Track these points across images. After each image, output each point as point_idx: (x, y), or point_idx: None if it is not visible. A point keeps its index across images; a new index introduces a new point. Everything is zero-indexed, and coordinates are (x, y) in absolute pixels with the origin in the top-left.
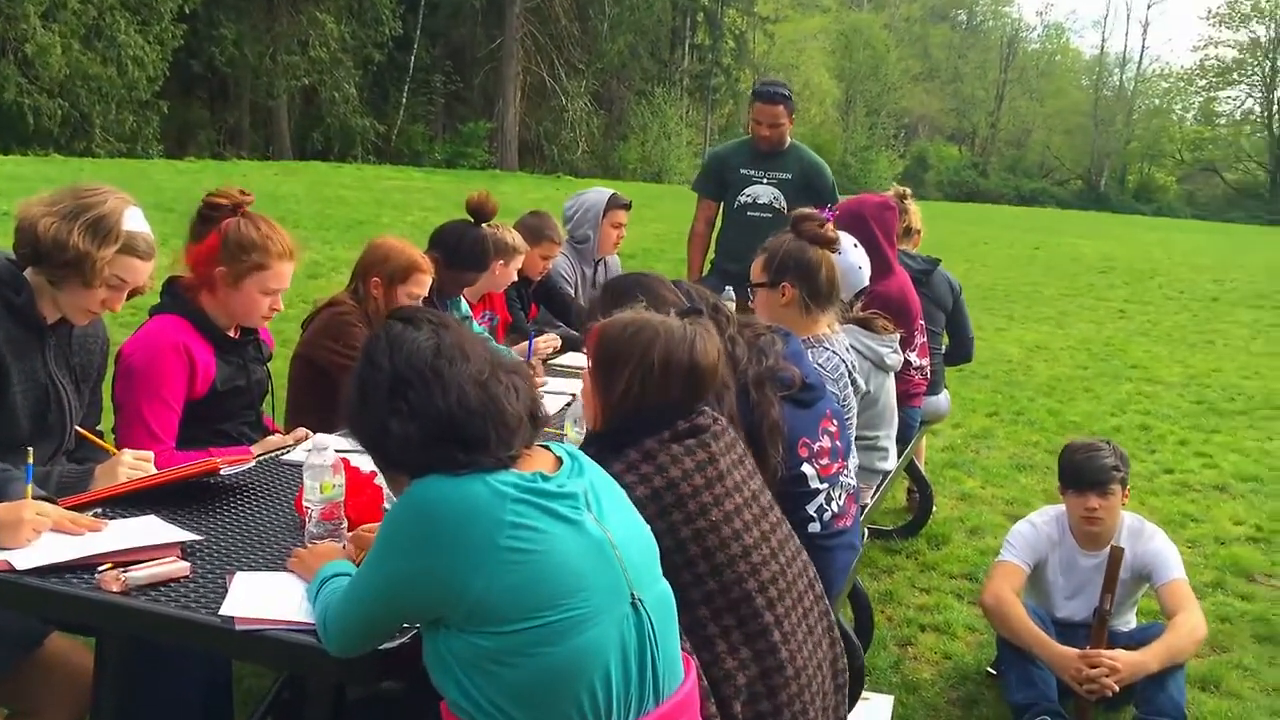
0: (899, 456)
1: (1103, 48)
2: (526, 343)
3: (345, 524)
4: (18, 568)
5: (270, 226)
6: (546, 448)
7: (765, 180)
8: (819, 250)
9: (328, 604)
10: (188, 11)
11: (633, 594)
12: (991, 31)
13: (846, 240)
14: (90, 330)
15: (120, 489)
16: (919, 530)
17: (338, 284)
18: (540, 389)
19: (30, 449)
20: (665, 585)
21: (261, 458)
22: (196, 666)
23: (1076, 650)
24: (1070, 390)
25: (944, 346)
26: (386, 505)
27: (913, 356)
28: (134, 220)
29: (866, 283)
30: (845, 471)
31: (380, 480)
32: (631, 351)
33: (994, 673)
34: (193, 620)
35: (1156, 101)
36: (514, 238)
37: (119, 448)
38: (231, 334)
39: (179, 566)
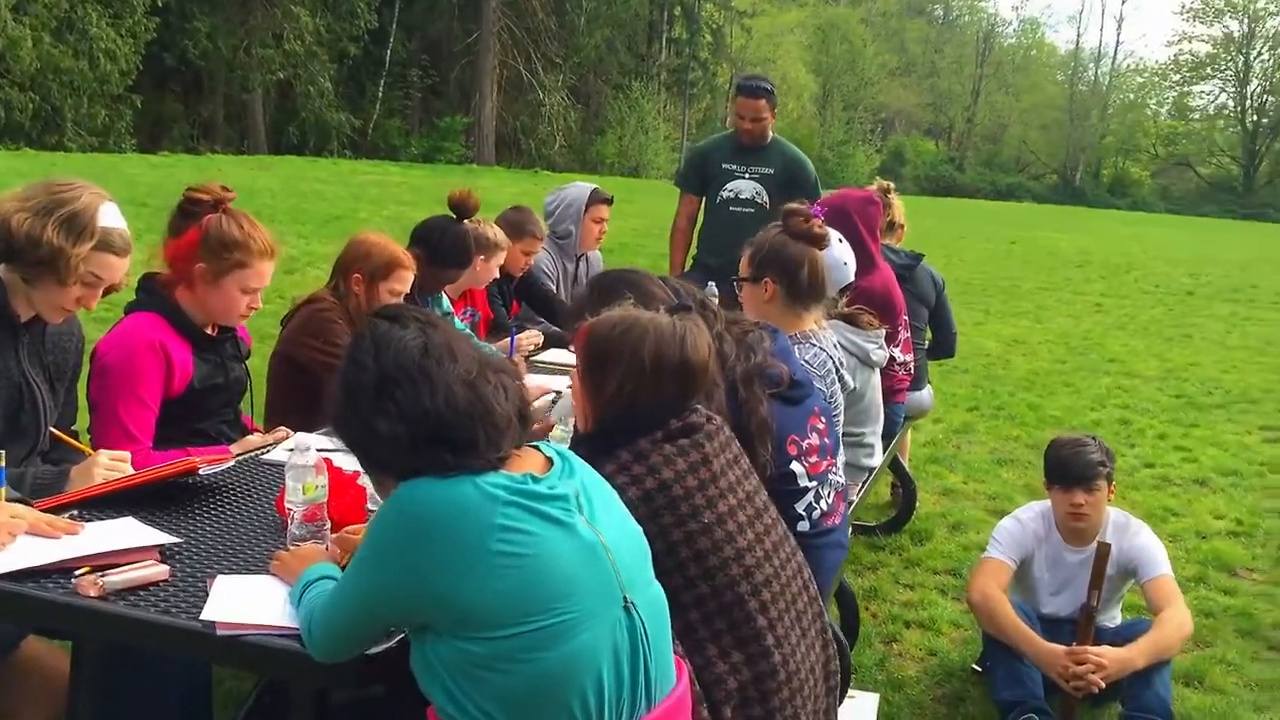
0: (884, 453)
1: (1078, 43)
2: (508, 339)
3: (328, 525)
4: None
5: (252, 224)
6: (536, 448)
7: (747, 175)
8: (803, 246)
9: (312, 608)
10: (160, 4)
11: (625, 597)
12: (967, 26)
13: (832, 235)
14: (65, 328)
15: (97, 490)
16: (902, 526)
17: (314, 279)
18: None
19: (3, 450)
20: (658, 588)
21: (241, 457)
22: (175, 670)
23: (1063, 647)
24: (1050, 384)
25: (926, 342)
26: (370, 506)
27: (896, 352)
28: (109, 216)
29: (852, 278)
30: (834, 469)
31: (363, 481)
32: (622, 350)
33: (979, 669)
34: (173, 625)
35: (1131, 96)
36: (496, 233)
37: (95, 448)
38: (209, 331)
39: (158, 570)
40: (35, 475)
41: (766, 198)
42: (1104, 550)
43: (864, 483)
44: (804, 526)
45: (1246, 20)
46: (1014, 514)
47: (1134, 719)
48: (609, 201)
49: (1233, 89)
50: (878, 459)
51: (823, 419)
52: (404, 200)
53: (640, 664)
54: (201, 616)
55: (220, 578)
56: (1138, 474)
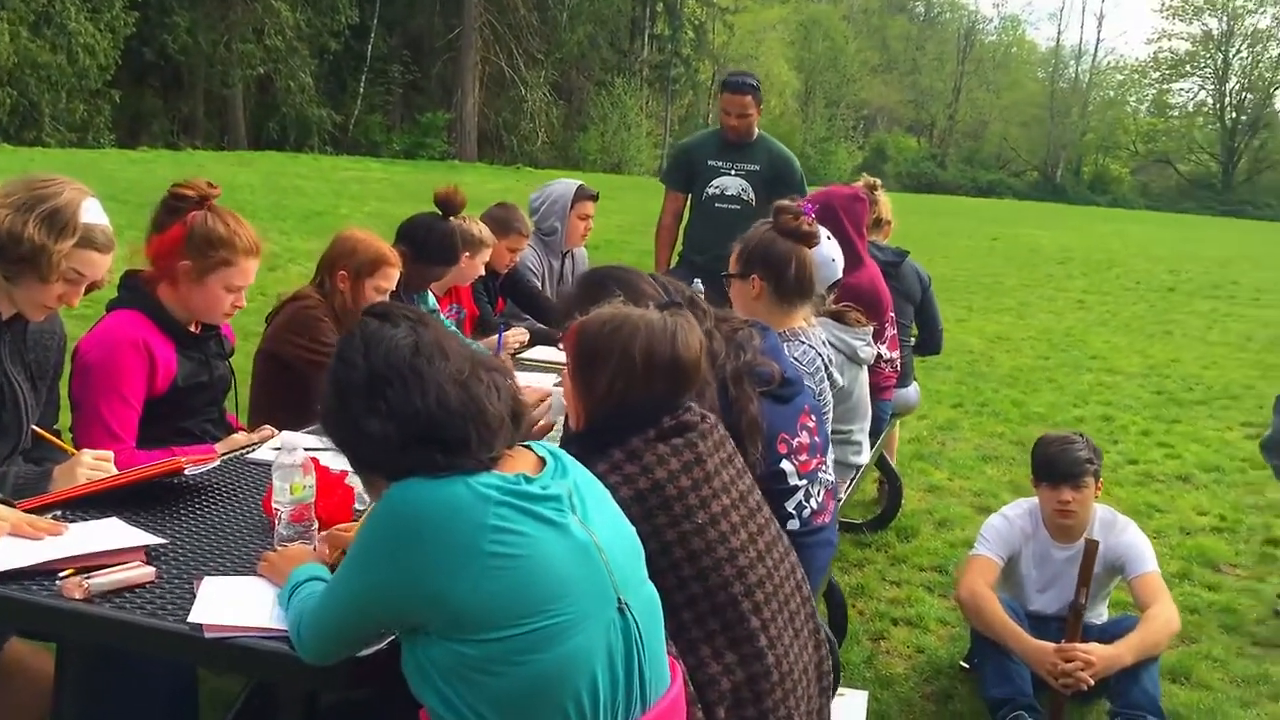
0: (871, 450)
1: (1058, 40)
2: (495, 337)
3: (316, 525)
4: None
5: (238, 222)
6: (528, 448)
7: (733, 172)
8: (791, 243)
9: (302, 610)
10: None
11: (619, 598)
12: (949, 24)
13: (820, 232)
14: (47, 326)
15: (81, 490)
16: (888, 523)
17: (295, 275)
18: None
19: None
20: (651, 588)
21: (226, 456)
22: (161, 671)
23: (1052, 645)
24: (1033, 381)
25: (912, 339)
26: (358, 506)
27: (883, 349)
28: (92, 212)
29: (840, 275)
30: (824, 467)
31: (351, 480)
32: (612, 347)
33: (967, 666)
34: (160, 628)
35: (1111, 93)
36: (481, 230)
37: (77, 447)
38: (192, 329)
39: (144, 572)
40: (17, 475)
41: (752, 194)
42: (1093, 548)
43: (851, 480)
44: (794, 525)
45: (1225, 18)
46: (1001, 511)
47: (1123, 715)
48: (595, 198)
49: (1212, 86)
50: (865, 456)
51: (813, 417)
52: (385, 196)
53: (635, 665)
54: (189, 619)
55: (207, 579)
56: (1121, 470)
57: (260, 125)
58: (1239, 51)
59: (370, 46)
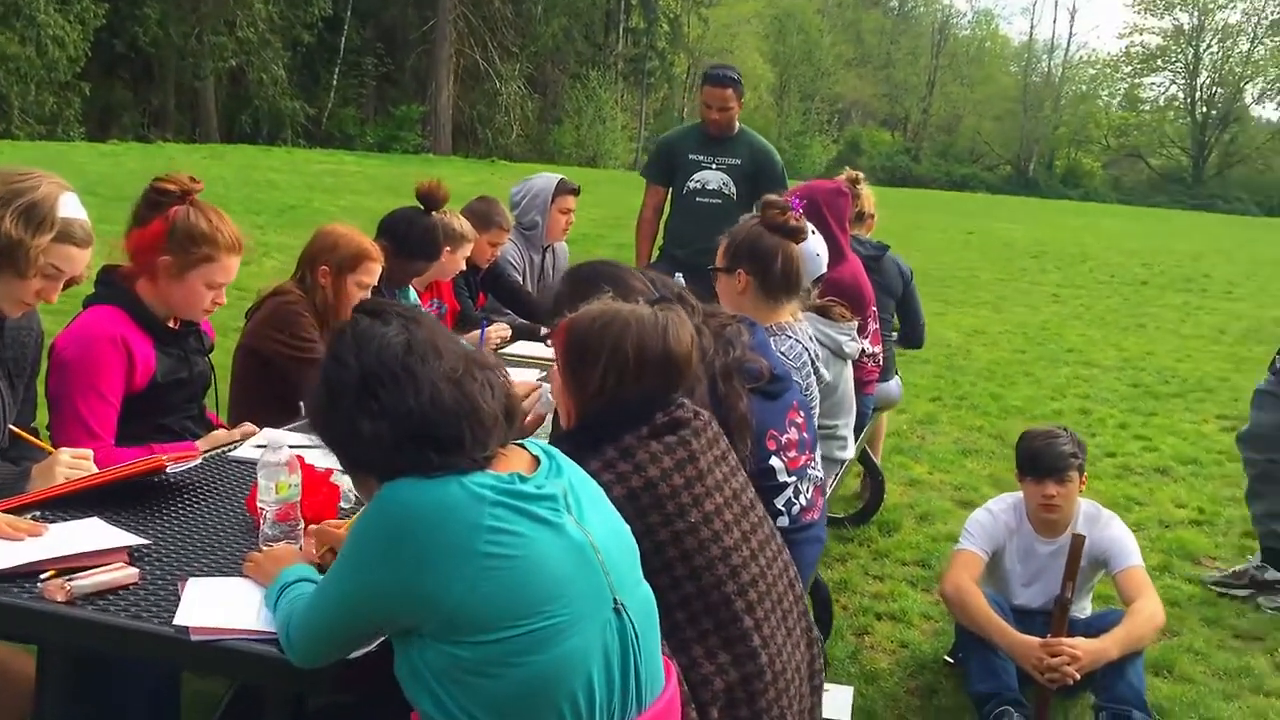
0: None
1: (1031, 34)
2: (478, 332)
3: (301, 524)
4: None
5: (220, 217)
6: (522, 446)
7: (714, 166)
8: (778, 238)
9: (291, 612)
10: None
11: (615, 598)
12: (923, 18)
13: (807, 227)
14: (24, 323)
15: (60, 490)
16: (870, 518)
17: (271, 270)
18: None
19: None
20: (647, 588)
21: (208, 454)
22: (143, 673)
23: (1038, 639)
24: (1010, 374)
25: (894, 333)
26: (343, 505)
27: (865, 344)
28: (70, 206)
29: (824, 269)
30: (812, 463)
31: (337, 478)
32: (603, 344)
33: (951, 661)
34: (145, 631)
35: (1083, 88)
36: (463, 225)
37: (56, 446)
38: (171, 325)
39: (127, 573)
40: None
41: (734, 188)
42: (1079, 542)
43: (836, 475)
44: (784, 522)
45: (1196, 13)
46: (985, 505)
47: (1107, 710)
48: (576, 192)
49: (1183, 81)
50: (850, 451)
51: (801, 413)
52: (360, 190)
53: (630, 666)
54: (175, 621)
55: (192, 580)
56: (1100, 463)
57: (232, 118)
58: (1209, 46)
59: (344, 39)
